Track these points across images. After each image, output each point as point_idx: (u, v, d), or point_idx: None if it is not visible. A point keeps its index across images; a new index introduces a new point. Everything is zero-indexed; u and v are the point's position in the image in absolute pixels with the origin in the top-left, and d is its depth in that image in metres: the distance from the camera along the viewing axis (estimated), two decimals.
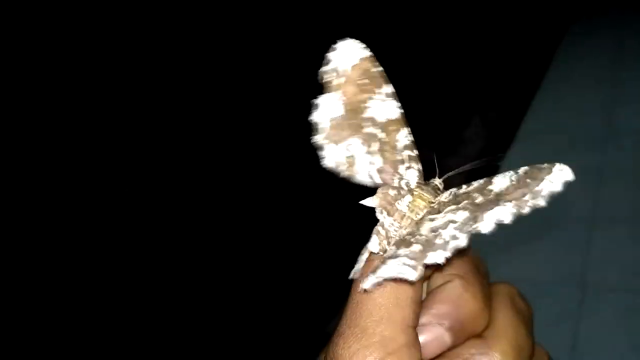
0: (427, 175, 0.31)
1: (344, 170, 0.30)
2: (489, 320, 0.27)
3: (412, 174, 0.30)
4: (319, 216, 1.71)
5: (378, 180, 0.31)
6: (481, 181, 0.28)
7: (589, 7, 2.66)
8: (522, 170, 0.28)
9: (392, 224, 0.29)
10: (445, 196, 0.29)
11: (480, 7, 2.61)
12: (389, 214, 0.29)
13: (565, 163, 0.27)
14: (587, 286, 1.34)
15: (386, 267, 0.26)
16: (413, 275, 0.25)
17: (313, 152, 0.31)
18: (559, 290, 1.35)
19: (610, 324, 1.26)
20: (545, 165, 0.28)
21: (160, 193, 1.81)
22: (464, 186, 0.29)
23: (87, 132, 1.95)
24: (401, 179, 0.31)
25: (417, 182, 0.30)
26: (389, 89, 0.30)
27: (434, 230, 0.27)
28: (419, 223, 0.29)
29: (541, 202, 0.26)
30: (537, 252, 1.44)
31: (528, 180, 0.27)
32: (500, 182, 0.28)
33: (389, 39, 2.45)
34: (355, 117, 0.30)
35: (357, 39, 0.30)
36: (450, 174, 0.32)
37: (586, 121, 1.91)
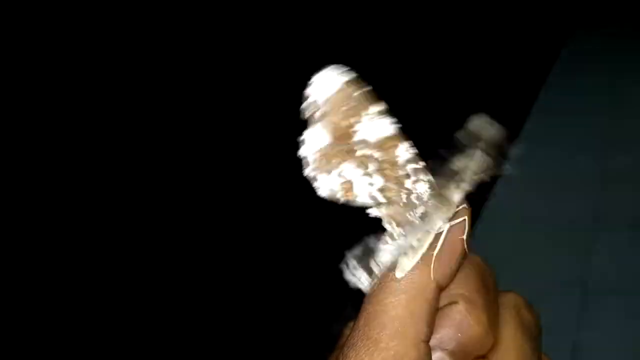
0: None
1: (341, 196, 0.30)
2: (494, 340, 0.27)
3: (422, 186, 0.30)
4: (324, 216, 1.71)
5: (382, 200, 0.30)
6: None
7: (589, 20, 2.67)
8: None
9: (402, 235, 0.29)
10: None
11: (480, 23, 2.61)
12: (398, 225, 0.29)
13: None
14: (588, 290, 1.34)
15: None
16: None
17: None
18: (560, 293, 1.35)
19: (611, 327, 1.26)
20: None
21: (167, 195, 1.81)
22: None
23: (87, 132, 1.95)
24: (410, 193, 0.30)
25: (431, 194, 0.30)
26: (377, 107, 0.29)
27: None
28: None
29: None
30: (539, 256, 1.44)
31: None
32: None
33: (391, 48, 2.45)
34: (345, 143, 0.30)
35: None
36: (463, 186, 0.31)
37: (588, 127, 1.92)
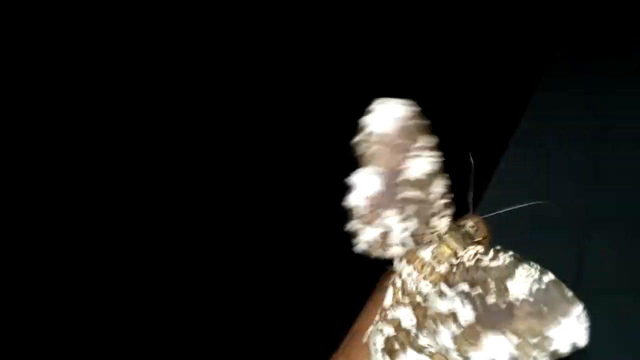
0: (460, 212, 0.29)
1: (377, 249, 0.28)
2: None
3: (444, 221, 0.28)
4: (327, 222, 1.71)
5: (412, 245, 0.27)
6: (506, 262, 0.26)
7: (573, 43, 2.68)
8: (545, 282, 0.25)
9: (411, 274, 0.27)
10: (468, 255, 0.27)
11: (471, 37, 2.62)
12: (408, 262, 0.27)
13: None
14: (582, 287, 1.35)
15: None
16: None
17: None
18: None
19: (605, 326, 1.26)
20: (569, 296, 0.25)
21: (173, 196, 1.80)
22: (486, 258, 0.26)
23: (86, 132, 1.94)
24: (433, 230, 0.28)
25: (447, 227, 0.28)
26: (431, 141, 0.27)
27: (433, 331, 0.25)
28: (428, 301, 0.26)
29: None
30: (532, 252, 1.44)
31: (545, 309, 0.24)
32: (519, 286, 0.25)
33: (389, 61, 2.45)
34: (389, 184, 0.27)
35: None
36: (485, 216, 0.29)
37: (582, 122, 1.92)
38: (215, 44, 2.28)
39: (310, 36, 2.41)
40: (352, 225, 0.27)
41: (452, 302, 0.25)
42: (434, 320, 0.25)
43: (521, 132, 1.94)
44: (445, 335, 0.24)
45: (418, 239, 0.28)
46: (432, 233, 0.28)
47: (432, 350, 0.25)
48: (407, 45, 2.42)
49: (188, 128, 2.04)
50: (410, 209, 0.27)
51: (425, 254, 0.27)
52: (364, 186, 0.27)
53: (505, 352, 0.23)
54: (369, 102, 0.28)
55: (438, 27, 2.58)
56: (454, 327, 0.24)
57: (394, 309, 0.26)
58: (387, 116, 0.27)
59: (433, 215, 0.28)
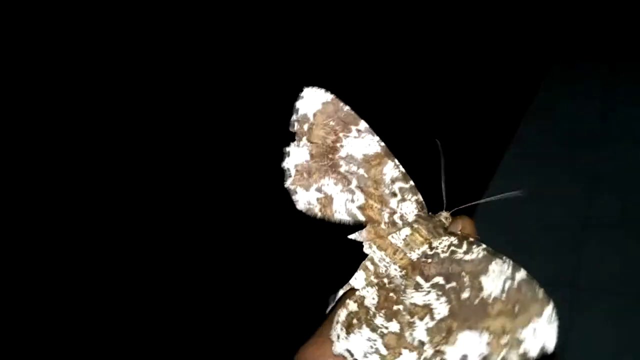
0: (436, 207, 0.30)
1: (317, 211, 0.30)
2: None
3: (408, 206, 0.30)
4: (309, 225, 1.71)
5: (360, 217, 0.30)
6: (480, 255, 0.27)
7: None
8: (517, 281, 0.26)
9: (383, 259, 0.28)
10: (442, 246, 0.28)
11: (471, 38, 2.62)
12: (379, 248, 0.29)
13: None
14: (578, 288, 1.36)
15: (356, 345, 0.26)
16: None
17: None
18: (550, 291, 1.36)
19: (601, 326, 1.28)
20: (540, 296, 0.26)
21: (166, 196, 1.80)
22: (460, 250, 0.28)
23: (83, 132, 1.94)
24: (393, 212, 0.30)
25: (417, 215, 0.29)
26: (361, 125, 0.30)
27: (405, 325, 0.26)
28: (413, 275, 0.28)
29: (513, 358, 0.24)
30: (530, 253, 1.46)
31: (516, 308, 0.25)
32: (492, 284, 0.26)
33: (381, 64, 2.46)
34: (328, 159, 0.30)
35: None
36: (460, 207, 0.30)
37: (582, 125, 1.93)
38: (216, 44, 2.28)
39: (309, 36, 2.41)
40: (287, 185, 0.31)
41: (427, 295, 0.26)
42: (410, 313, 0.26)
43: (521, 135, 1.95)
44: (421, 329, 0.25)
45: (370, 215, 0.30)
46: (392, 214, 0.29)
47: (385, 331, 0.26)
48: (408, 48, 2.43)
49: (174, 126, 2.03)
50: (354, 183, 0.30)
51: (397, 241, 0.29)
52: (295, 155, 0.31)
53: (477, 349, 0.24)
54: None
55: (439, 29, 2.59)
56: (428, 319, 0.26)
57: (363, 289, 0.28)
58: (316, 101, 0.30)
59: (390, 195, 0.29)
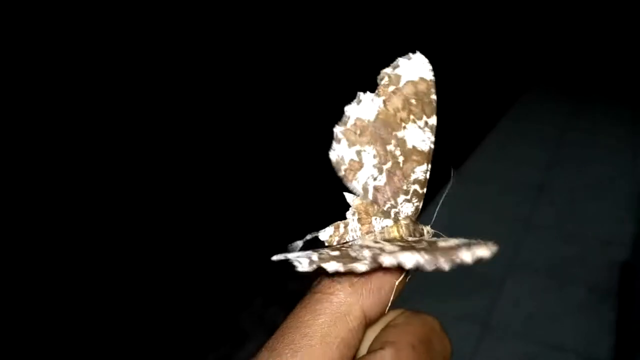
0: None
1: (342, 170, 0.30)
2: None
3: (409, 207, 0.30)
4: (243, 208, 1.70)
5: (369, 196, 0.30)
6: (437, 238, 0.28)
7: (543, 76, 2.79)
8: (473, 242, 0.26)
9: (355, 231, 0.29)
10: (413, 238, 0.29)
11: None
12: (359, 221, 0.29)
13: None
14: (489, 327, 1.39)
15: (297, 253, 0.25)
16: (301, 266, 0.24)
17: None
18: (460, 326, 1.39)
19: None
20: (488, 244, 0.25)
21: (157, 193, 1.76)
22: (427, 237, 0.29)
23: (79, 132, 1.87)
24: (393, 207, 0.30)
25: (408, 217, 0.30)
26: (432, 120, 0.30)
27: (360, 247, 0.26)
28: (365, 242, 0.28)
29: (444, 266, 0.24)
30: (449, 287, 1.48)
31: (462, 244, 0.26)
32: (445, 241, 0.27)
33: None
34: (385, 131, 0.30)
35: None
36: (436, 232, 0.31)
37: (525, 173, 2.00)
38: (216, 44, 2.25)
39: (307, 36, 2.40)
40: (336, 129, 0.30)
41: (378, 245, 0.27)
42: (374, 218, 0.27)
43: (467, 168, 1.99)
44: (377, 226, 0.27)
45: (378, 198, 0.30)
46: (392, 208, 0.30)
47: (325, 251, 0.26)
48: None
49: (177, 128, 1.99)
50: (387, 165, 0.30)
51: (376, 225, 0.29)
52: (364, 107, 0.30)
53: (412, 259, 0.24)
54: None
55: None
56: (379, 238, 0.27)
57: (324, 248, 0.28)
58: (417, 71, 0.29)
59: (403, 192, 0.30)
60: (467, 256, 0.24)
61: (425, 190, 0.30)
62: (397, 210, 0.30)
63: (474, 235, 0.29)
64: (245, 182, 1.83)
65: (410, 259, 0.24)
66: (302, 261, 0.25)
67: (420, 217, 0.31)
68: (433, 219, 0.32)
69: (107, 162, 1.80)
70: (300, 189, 1.77)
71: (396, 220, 0.30)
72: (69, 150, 1.81)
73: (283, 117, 2.08)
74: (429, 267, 0.24)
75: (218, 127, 2.03)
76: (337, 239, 0.29)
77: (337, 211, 0.30)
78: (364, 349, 0.27)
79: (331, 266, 0.24)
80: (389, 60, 0.31)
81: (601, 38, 2.99)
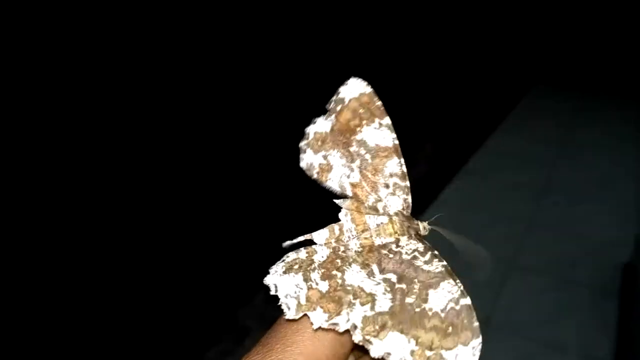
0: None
1: (315, 174, 0.33)
2: None
3: (395, 201, 0.32)
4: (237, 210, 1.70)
5: (348, 192, 0.32)
6: (437, 270, 0.29)
7: (551, 71, 2.78)
8: (460, 305, 0.27)
9: (350, 231, 0.31)
10: (408, 248, 0.30)
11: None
12: (353, 221, 0.31)
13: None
14: (491, 326, 1.39)
15: (287, 280, 0.27)
16: (289, 313, 0.26)
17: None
18: None
19: None
20: (474, 326, 0.26)
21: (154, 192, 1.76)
22: (422, 259, 0.29)
23: (82, 132, 1.88)
24: (379, 200, 0.32)
25: (399, 211, 0.32)
26: (385, 120, 0.33)
27: (346, 304, 0.27)
28: (368, 257, 0.29)
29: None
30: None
31: (450, 329, 0.26)
32: (438, 299, 0.27)
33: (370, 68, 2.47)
34: (344, 136, 0.33)
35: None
36: (436, 229, 0.32)
37: (528, 172, 1.99)
38: (216, 44, 2.25)
39: (307, 36, 2.40)
40: (301, 144, 0.34)
41: (376, 286, 0.28)
42: (354, 294, 0.27)
43: (472, 165, 1.99)
44: (358, 313, 0.27)
45: (358, 193, 0.32)
46: (377, 201, 0.32)
47: (314, 285, 0.28)
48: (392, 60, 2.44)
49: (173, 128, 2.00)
50: (356, 163, 0.33)
51: (371, 222, 0.31)
52: (318, 125, 0.34)
53: (401, 352, 0.25)
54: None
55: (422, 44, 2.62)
56: (368, 308, 0.27)
57: (319, 246, 0.30)
58: (355, 90, 0.34)
59: (382, 185, 0.32)
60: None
61: (407, 182, 0.32)
62: (383, 204, 0.32)
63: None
64: (247, 179, 1.83)
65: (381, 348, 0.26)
66: (290, 304, 0.27)
67: (420, 216, 0.32)
68: (434, 217, 0.33)
69: (108, 157, 1.81)
70: (302, 185, 1.77)
71: (389, 215, 0.31)
72: (68, 150, 1.81)
73: (287, 112, 2.08)
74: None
75: (220, 121, 2.03)
76: (333, 241, 0.30)
77: (337, 209, 0.32)
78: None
79: (317, 319, 0.26)
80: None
81: (605, 37, 2.98)
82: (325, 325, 0.26)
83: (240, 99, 2.15)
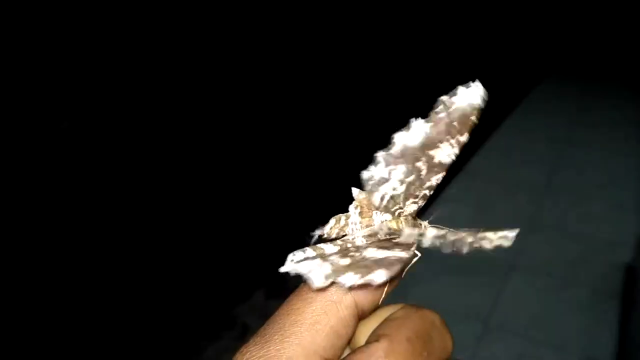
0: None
1: (370, 185, 0.30)
2: None
3: (412, 207, 0.31)
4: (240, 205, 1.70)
5: (383, 203, 0.30)
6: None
7: (556, 69, 2.77)
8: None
9: (356, 223, 0.30)
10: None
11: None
12: (360, 214, 0.30)
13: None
14: (489, 326, 1.39)
15: (306, 263, 0.25)
16: (317, 281, 0.24)
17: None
18: (461, 324, 1.39)
19: None
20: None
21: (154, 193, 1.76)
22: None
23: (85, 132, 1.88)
24: (400, 209, 0.31)
25: (409, 214, 0.31)
26: (464, 138, 0.30)
27: (369, 258, 0.26)
28: (370, 243, 0.29)
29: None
30: (453, 285, 1.48)
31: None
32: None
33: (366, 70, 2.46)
34: (421, 150, 0.30)
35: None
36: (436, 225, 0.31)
37: (529, 172, 1.99)
38: (216, 45, 2.25)
39: (309, 36, 2.40)
40: (379, 154, 0.30)
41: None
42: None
43: (474, 165, 1.98)
44: (377, 220, 0.29)
45: (391, 202, 0.30)
46: (398, 209, 0.30)
47: (335, 262, 0.26)
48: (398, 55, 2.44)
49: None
50: (410, 179, 0.30)
51: (377, 218, 0.30)
52: (411, 135, 0.30)
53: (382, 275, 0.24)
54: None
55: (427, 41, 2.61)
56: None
57: (324, 242, 0.28)
58: (470, 99, 0.30)
59: (412, 197, 0.31)
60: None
61: (432, 192, 0.31)
62: (402, 210, 0.31)
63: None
64: (247, 177, 1.83)
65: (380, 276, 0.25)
66: (316, 276, 0.25)
67: (421, 216, 0.31)
68: (432, 217, 0.32)
69: (107, 156, 1.81)
70: (302, 182, 1.77)
71: (397, 215, 0.30)
72: (68, 150, 1.81)
73: (290, 111, 2.08)
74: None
75: (220, 121, 2.03)
76: (336, 230, 0.29)
77: (337, 206, 0.31)
78: (362, 343, 0.26)
79: (348, 280, 0.24)
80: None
81: (607, 37, 2.97)
82: (359, 282, 0.24)
83: (240, 99, 2.15)
